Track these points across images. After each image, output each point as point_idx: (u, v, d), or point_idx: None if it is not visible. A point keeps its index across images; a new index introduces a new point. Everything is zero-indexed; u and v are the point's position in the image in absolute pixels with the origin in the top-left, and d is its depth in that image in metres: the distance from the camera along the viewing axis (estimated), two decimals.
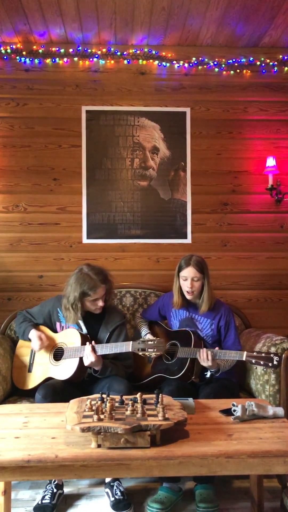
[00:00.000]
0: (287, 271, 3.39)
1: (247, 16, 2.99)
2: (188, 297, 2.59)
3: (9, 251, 3.28)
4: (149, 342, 2.19)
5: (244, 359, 2.25)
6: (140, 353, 2.20)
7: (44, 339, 2.51)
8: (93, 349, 2.34)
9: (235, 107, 3.40)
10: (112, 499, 2.14)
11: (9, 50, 3.25)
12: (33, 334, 2.53)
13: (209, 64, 3.36)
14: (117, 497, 2.13)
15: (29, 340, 2.57)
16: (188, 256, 2.60)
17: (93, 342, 2.39)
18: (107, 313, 2.58)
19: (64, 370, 2.41)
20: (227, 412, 1.93)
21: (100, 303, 2.49)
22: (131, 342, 2.29)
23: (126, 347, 2.30)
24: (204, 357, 2.34)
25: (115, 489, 2.17)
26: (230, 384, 2.47)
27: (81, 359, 2.38)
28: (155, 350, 2.17)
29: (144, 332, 2.72)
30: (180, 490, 2.21)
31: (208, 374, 2.42)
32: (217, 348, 2.38)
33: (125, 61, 3.34)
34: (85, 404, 1.80)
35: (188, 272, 2.54)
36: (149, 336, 2.64)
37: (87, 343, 2.37)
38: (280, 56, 3.38)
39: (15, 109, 3.30)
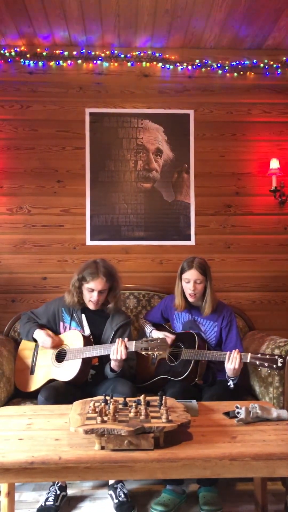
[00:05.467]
0: None
1: (250, 18, 2.99)
2: (191, 299, 2.58)
3: (13, 253, 3.28)
4: (152, 342, 2.19)
5: (248, 360, 2.24)
6: (143, 353, 2.20)
7: (52, 335, 2.52)
8: (126, 347, 2.31)
9: (238, 109, 3.41)
10: (116, 501, 2.14)
11: (13, 53, 3.26)
12: (40, 333, 2.54)
13: (213, 66, 3.37)
14: (120, 499, 2.13)
15: (33, 340, 2.58)
16: (191, 258, 2.61)
17: (123, 339, 2.34)
18: (112, 313, 2.58)
19: (67, 371, 2.41)
20: (231, 414, 1.93)
21: (95, 296, 2.48)
22: (134, 341, 2.29)
23: (129, 346, 2.30)
24: (233, 358, 2.27)
25: (119, 491, 2.17)
26: (233, 386, 2.47)
27: (83, 360, 2.38)
28: (158, 349, 2.17)
29: (149, 329, 2.71)
30: (184, 493, 2.21)
31: (232, 384, 2.36)
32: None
33: (129, 64, 3.35)
34: (89, 406, 1.80)
35: (191, 275, 2.53)
36: (154, 333, 2.64)
37: (120, 339, 2.33)
38: (284, 58, 3.38)
39: (19, 112, 3.32)
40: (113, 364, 2.37)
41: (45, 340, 2.51)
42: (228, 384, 2.36)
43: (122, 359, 2.31)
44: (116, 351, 2.30)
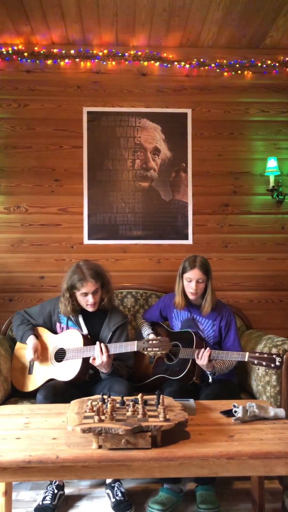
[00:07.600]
0: None
1: (248, 17, 2.99)
2: (192, 298, 2.59)
3: (10, 252, 3.28)
4: (154, 342, 2.19)
5: (246, 359, 2.25)
6: (145, 352, 2.20)
7: (38, 353, 2.49)
8: (107, 349, 2.32)
9: (236, 108, 3.41)
10: (113, 500, 2.14)
11: (10, 51, 3.25)
12: (30, 342, 2.51)
13: (210, 65, 3.36)
14: (117, 498, 2.13)
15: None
16: (192, 257, 2.60)
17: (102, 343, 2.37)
18: (110, 313, 2.58)
19: (67, 371, 2.40)
20: (228, 413, 1.93)
21: (91, 299, 2.47)
22: (136, 341, 2.28)
23: (131, 346, 2.30)
24: (202, 355, 2.34)
25: (116, 490, 2.17)
26: (231, 385, 2.47)
27: (84, 359, 2.37)
28: (160, 349, 2.17)
29: (147, 331, 2.72)
30: (181, 491, 2.21)
31: (210, 379, 2.41)
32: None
33: (127, 62, 3.35)
34: (86, 405, 1.80)
35: (194, 274, 2.53)
36: (152, 336, 2.64)
37: (97, 342, 2.35)
38: (281, 57, 3.38)
39: (17, 110, 3.31)
40: (99, 368, 2.37)
41: (28, 353, 2.49)
42: (207, 376, 2.43)
43: (105, 363, 2.31)
44: (97, 357, 2.31)
